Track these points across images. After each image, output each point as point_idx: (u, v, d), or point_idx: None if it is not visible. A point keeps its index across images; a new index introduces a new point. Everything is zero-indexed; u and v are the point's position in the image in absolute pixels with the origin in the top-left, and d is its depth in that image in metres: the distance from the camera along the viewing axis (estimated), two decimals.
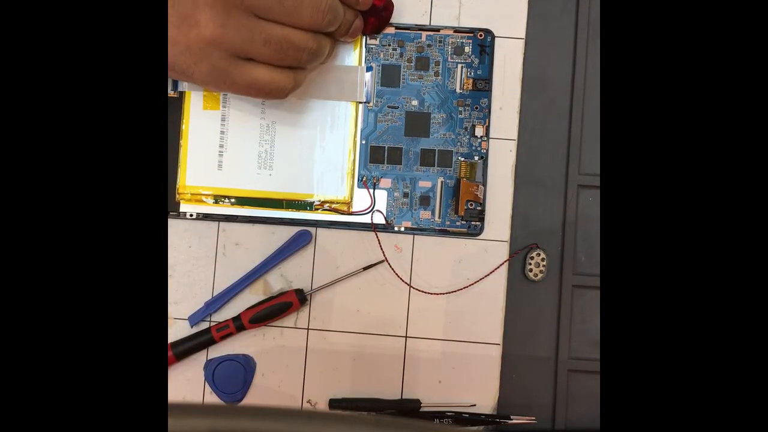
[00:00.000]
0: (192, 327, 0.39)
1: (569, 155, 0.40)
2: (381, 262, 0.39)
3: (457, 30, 0.39)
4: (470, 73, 0.39)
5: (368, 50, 0.39)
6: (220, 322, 0.38)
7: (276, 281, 0.39)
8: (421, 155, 0.39)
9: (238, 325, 0.38)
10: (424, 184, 0.39)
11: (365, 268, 0.38)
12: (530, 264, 0.39)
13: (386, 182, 0.39)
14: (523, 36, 0.40)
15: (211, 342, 0.38)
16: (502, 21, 0.39)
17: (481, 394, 0.39)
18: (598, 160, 0.39)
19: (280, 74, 0.34)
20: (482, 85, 0.39)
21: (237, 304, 0.39)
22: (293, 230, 0.39)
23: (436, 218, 0.39)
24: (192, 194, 0.39)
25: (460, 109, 0.39)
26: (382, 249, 0.39)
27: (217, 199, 0.39)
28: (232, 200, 0.39)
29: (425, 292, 0.39)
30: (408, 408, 0.38)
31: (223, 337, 0.38)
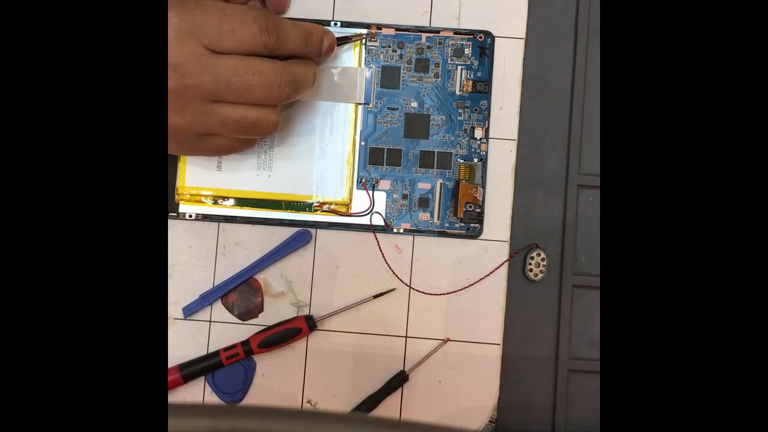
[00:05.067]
0: (186, 318, 0.38)
1: (569, 155, 0.40)
2: (392, 290, 0.39)
3: (456, 32, 0.39)
4: (470, 75, 0.39)
5: (368, 51, 0.39)
6: (228, 347, 0.38)
7: (276, 281, 0.39)
8: (420, 157, 0.39)
9: (246, 349, 0.38)
10: (423, 186, 0.39)
11: (376, 297, 0.38)
12: (530, 264, 0.39)
13: (385, 184, 0.39)
14: (523, 36, 0.40)
15: (219, 365, 0.38)
16: (502, 21, 0.39)
17: (481, 394, 0.39)
18: (598, 160, 0.39)
19: (241, 139, 0.35)
20: (482, 87, 0.39)
21: (245, 327, 0.39)
22: (294, 231, 0.39)
23: (435, 220, 0.39)
24: (191, 195, 0.39)
25: (460, 111, 0.39)
26: (381, 251, 0.39)
27: (216, 199, 0.39)
28: (231, 201, 0.39)
29: (425, 293, 0.39)
30: (397, 383, 0.38)
31: (230, 359, 0.38)
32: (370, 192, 0.39)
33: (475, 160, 0.39)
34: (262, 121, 0.33)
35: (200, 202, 0.39)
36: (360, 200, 0.39)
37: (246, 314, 0.39)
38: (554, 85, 0.40)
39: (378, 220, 0.39)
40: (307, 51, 0.34)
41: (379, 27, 0.39)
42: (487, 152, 0.39)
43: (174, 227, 0.39)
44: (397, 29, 0.39)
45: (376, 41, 0.39)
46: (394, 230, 0.39)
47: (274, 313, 0.39)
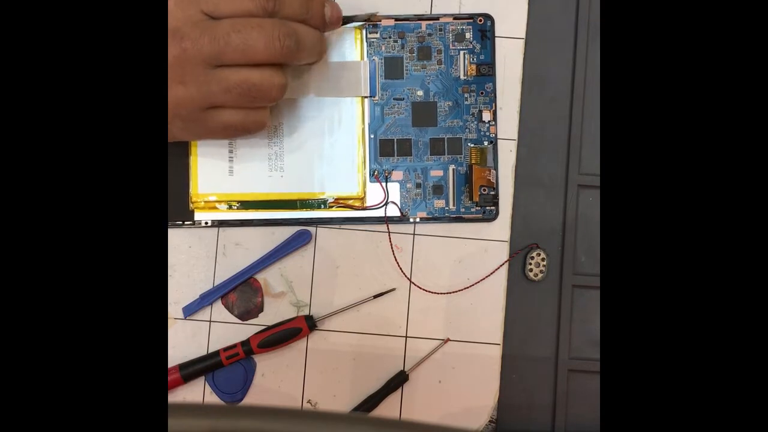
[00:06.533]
0: (186, 318, 0.38)
1: (569, 155, 0.40)
2: (392, 290, 0.39)
3: (456, 17, 0.39)
4: (473, 59, 0.39)
5: (369, 44, 0.39)
6: (228, 347, 0.38)
7: (276, 281, 0.39)
8: (430, 145, 0.39)
9: (246, 349, 0.38)
10: (436, 173, 0.39)
11: (376, 297, 0.38)
12: (530, 264, 0.39)
13: (398, 174, 0.39)
14: (523, 36, 0.40)
15: (219, 365, 0.38)
16: (501, 21, 0.39)
17: (481, 394, 0.39)
18: (598, 160, 0.39)
19: (249, 112, 0.34)
20: (486, 70, 0.39)
21: (245, 327, 0.39)
22: (294, 230, 0.39)
23: (451, 206, 0.39)
24: (205, 202, 0.38)
25: (466, 95, 0.39)
26: (391, 244, 0.39)
27: (231, 204, 0.39)
28: (239, 204, 0.38)
29: (426, 290, 0.39)
30: (397, 383, 0.38)
31: (230, 359, 0.38)
32: (384, 184, 0.39)
33: (485, 143, 0.39)
34: (266, 83, 0.32)
35: (215, 208, 0.38)
36: (374, 193, 0.39)
37: (246, 314, 0.39)
38: (554, 85, 0.40)
39: (393, 211, 0.39)
40: (308, 17, 0.33)
41: (379, 19, 0.39)
42: (496, 134, 0.39)
43: (174, 227, 0.39)
44: (396, 19, 0.39)
45: (376, 32, 0.39)
46: (411, 219, 0.39)
47: (274, 313, 0.39)
